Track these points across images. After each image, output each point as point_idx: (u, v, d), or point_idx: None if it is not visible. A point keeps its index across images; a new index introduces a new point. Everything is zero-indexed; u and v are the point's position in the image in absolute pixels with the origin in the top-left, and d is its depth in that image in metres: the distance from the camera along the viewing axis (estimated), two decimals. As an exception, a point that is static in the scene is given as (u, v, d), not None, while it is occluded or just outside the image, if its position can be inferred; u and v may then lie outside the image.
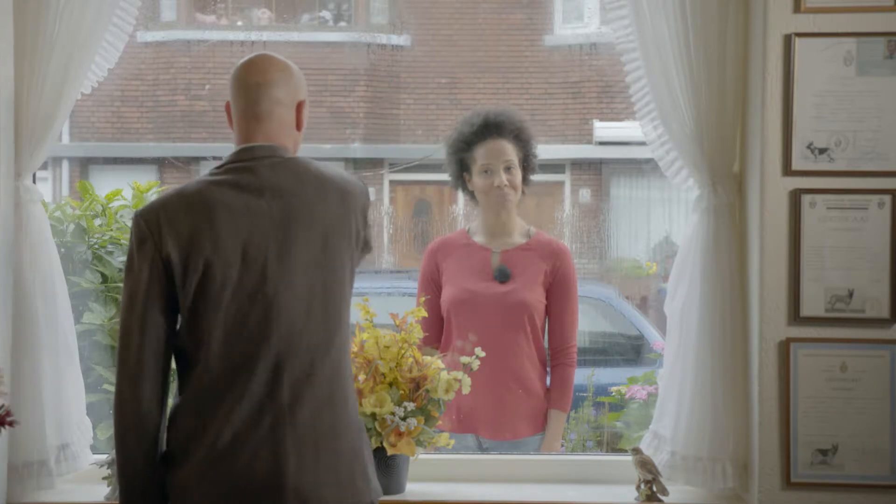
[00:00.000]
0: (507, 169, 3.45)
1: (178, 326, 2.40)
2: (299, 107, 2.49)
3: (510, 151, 3.46)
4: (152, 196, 4.25)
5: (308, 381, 2.36)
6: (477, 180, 3.48)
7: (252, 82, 2.44)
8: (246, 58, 2.48)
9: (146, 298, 2.34)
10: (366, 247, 2.53)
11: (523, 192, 3.54)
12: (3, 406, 2.72)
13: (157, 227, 2.34)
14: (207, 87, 10.02)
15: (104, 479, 3.01)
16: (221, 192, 2.36)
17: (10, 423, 2.70)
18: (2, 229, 2.96)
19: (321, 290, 2.39)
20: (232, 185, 2.37)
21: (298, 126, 2.50)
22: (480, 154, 3.46)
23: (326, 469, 2.36)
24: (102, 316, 3.83)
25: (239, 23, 10.24)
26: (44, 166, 3.11)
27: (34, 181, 3.12)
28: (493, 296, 3.45)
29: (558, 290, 3.48)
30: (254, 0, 10.12)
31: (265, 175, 2.39)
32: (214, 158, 9.42)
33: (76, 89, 3.03)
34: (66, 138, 9.89)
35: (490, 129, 3.47)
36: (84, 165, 10.18)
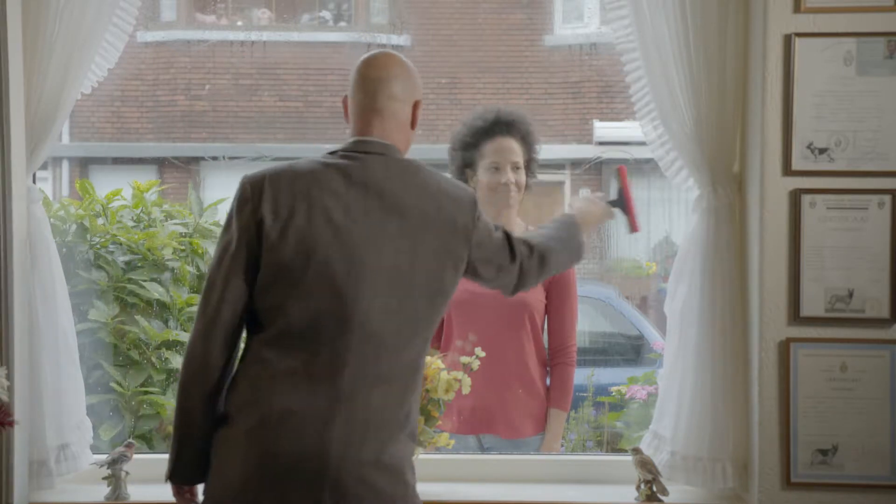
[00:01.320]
0: (515, 168, 3.44)
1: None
2: (416, 105, 2.55)
3: (518, 151, 3.45)
4: (152, 196, 4.27)
5: (370, 378, 2.37)
6: (483, 177, 3.46)
7: (372, 76, 2.50)
8: (368, 53, 2.55)
9: (234, 258, 2.40)
10: (493, 267, 2.55)
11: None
12: (2, 406, 2.72)
13: (260, 193, 2.40)
14: (207, 87, 10.02)
15: (104, 479, 3.01)
16: (329, 176, 2.41)
17: (10, 423, 2.70)
18: (3, 229, 2.95)
19: (403, 294, 2.39)
20: (342, 172, 2.42)
21: (413, 124, 2.56)
22: (489, 151, 3.44)
23: (368, 464, 2.35)
24: (107, 314, 3.83)
25: (239, 23, 10.24)
26: (44, 166, 3.10)
27: (34, 181, 3.11)
28: (493, 296, 3.41)
29: (558, 290, 3.48)
30: (254, 0, 10.12)
31: (373, 172, 2.43)
32: (214, 159, 9.45)
33: (76, 89, 3.03)
34: (66, 138, 9.88)
35: (501, 126, 3.46)
36: (84, 165, 10.18)
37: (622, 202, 2.97)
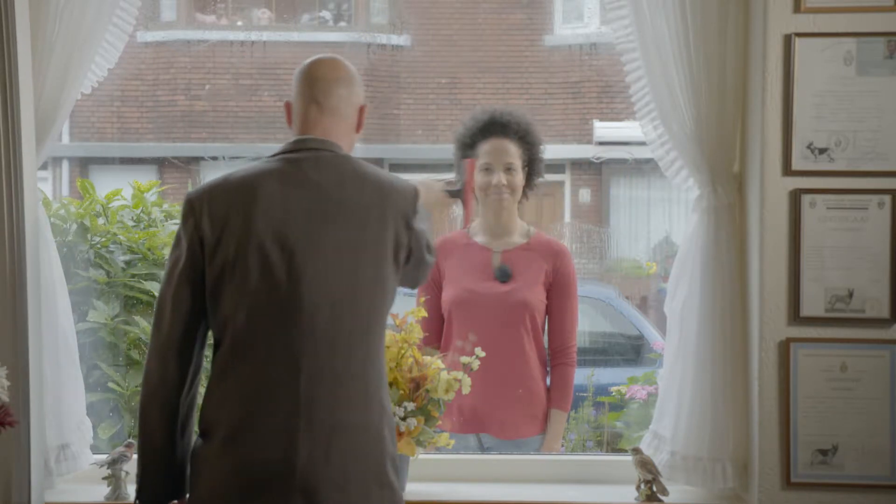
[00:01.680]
0: (508, 170, 3.44)
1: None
2: (361, 110, 2.58)
3: (513, 153, 3.45)
4: (152, 196, 4.27)
5: (327, 379, 2.37)
6: (477, 178, 3.47)
7: (322, 77, 2.52)
8: (315, 57, 2.57)
9: (182, 275, 2.42)
10: (413, 259, 2.52)
11: (526, 196, 3.54)
12: (2, 406, 2.72)
13: (200, 207, 2.42)
14: (207, 87, 10.03)
15: (104, 479, 3.01)
16: (265, 180, 2.42)
17: (10, 423, 2.70)
18: (16, 231, 2.95)
19: (350, 290, 2.40)
20: (277, 175, 2.43)
21: (358, 128, 2.58)
22: (483, 152, 3.45)
23: (337, 468, 2.36)
24: (107, 314, 3.83)
25: (239, 23, 10.25)
26: (44, 166, 3.10)
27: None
28: (494, 295, 3.45)
29: (558, 290, 3.48)
30: (254, 0, 10.13)
31: (309, 169, 2.44)
32: (214, 159, 9.45)
33: (76, 89, 3.03)
34: (66, 138, 9.90)
35: (495, 127, 3.46)
36: (84, 165, 10.19)
37: (461, 194, 2.99)
